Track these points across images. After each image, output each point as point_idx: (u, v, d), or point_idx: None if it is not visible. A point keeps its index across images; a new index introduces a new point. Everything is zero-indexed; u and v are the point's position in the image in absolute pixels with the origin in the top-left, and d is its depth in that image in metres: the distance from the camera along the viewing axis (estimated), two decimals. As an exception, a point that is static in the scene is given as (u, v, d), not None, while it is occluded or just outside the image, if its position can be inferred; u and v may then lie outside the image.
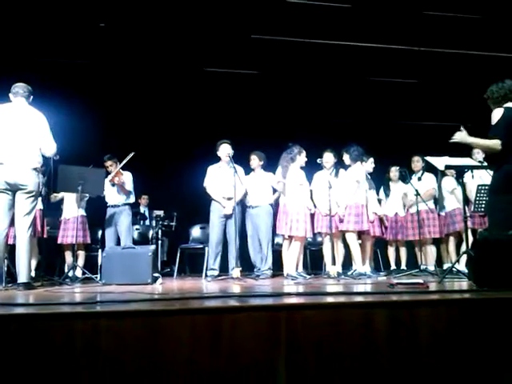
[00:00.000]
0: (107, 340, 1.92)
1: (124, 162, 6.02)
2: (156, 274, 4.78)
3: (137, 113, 7.63)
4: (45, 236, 5.64)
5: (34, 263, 5.50)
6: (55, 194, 6.20)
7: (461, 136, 3.86)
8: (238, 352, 2.03)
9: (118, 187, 6.08)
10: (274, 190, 5.94)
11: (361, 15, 7.08)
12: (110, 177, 6.04)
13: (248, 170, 6.15)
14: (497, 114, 3.75)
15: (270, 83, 7.75)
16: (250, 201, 5.96)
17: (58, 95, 6.45)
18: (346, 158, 5.87)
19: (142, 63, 7.27)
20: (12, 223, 4.04)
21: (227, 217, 5.75)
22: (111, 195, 6.15)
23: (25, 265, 3.89)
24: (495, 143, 3.67)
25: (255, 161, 6.07)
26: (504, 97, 3.79)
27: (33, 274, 5.10)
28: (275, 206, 5.94)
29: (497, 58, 7.46)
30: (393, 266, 6.72)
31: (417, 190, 5.73)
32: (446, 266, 6.26)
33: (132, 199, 6.26)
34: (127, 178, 6.17)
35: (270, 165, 6.03)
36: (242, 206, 5.96)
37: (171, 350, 1.96)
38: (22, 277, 3.87)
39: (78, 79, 7.12)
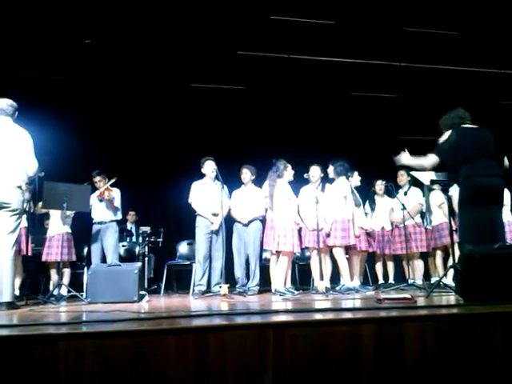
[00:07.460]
0: (92, 362, 1.88)
1: (108, 183, 6.02)
2: (142, 292, 4.73)
3: (123, 129, 7.60)
4: (29, 254, 5.55)
5: (17, 282, 5.39)
6: (40, 206, 6.11)
7: (405, 157, 4.15)
8: (226, 371, 2.00)
9: (106, 203, 6.02)
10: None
11: (344, 32, 7.21)
12: (97, 192, 5.99)
13: (234, 184, 6.09)
14: (447, 134, 3.92)
15: (256, 98, 7.79)
16: (240, 216, 5.86)
17: (44, 111, 6.43)
18: (331, 170, 5.89)
19: (128, 79, 7.28)
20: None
21: (213, 232, 5.74)
22: (98, 211, 6.07)
23: (8, 283, 3.83)
24: (433, 160, 3.92)
25: (247, 175, 5.96)
26: (452, 124, 3.96)
27: (17, 292, 5.02)
28: (263, 221, 5.90)
29: (474, 72, 7.65)
30: (381, 280, 6.71)
31: (403, 205, 5.74)
32: (433, 280, 6.27)
33: (119, 216, 6.20)
34: (116, 194, 6.13)
35: (257, 180, 6.01)
36: (227, 221, 5.90)
37: (158, 371, 1.93)
38: (6, 296, 3.80)
39: (63, 95, 7.10)
